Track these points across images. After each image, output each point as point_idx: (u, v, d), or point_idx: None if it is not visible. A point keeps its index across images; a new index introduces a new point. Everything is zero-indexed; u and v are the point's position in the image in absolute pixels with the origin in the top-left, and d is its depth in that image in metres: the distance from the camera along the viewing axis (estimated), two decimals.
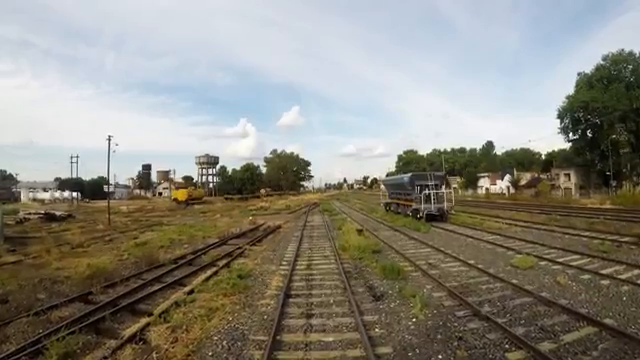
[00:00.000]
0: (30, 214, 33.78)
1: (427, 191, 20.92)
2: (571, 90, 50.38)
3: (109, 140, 30.75)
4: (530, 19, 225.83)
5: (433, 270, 9.47)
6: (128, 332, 5.88)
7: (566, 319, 5.93)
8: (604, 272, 8.63)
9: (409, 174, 25.18)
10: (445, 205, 21.25)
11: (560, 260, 9.99)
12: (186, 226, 24.23)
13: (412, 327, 5.77)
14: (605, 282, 7.92)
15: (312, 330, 5.76)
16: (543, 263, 9.84)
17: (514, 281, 8.08)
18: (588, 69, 49.54)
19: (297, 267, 10.38)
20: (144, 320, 6.27)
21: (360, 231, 16.44)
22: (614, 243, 12.26)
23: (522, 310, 6.41)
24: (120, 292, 8.26)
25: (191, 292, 7.80)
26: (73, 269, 10.53)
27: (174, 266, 11.07)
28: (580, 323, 5.76)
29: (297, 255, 12.18)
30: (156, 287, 8.59)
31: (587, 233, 14.82)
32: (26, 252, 14.41)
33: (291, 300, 7.26)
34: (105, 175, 52.68)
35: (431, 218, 20.53)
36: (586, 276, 8.42)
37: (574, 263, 9.66)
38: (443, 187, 22.98)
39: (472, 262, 10.16)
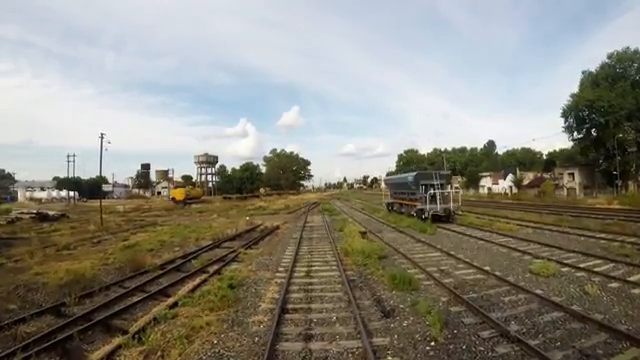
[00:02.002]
0: (23, 214, 32.96)
1: (432, 191, 20.07)
2: (572, 89, 49.89)
3: (101, 138, 29.97)
4: (530, 19, 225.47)
5: (446, 278, 8.57)
6: (95, 356, 5.01)
7: (606, 338, 5.16)
8: (632, 279, 7.93)
9: (413, 173, 24.23)
10: (451, 205, 20.42)
11: (582, 266, 9.24)
12: (180, 226, 23.35)
13: (431, 353, 4.87)
14: (636, 291, 7.20)
15: (312, 358, 4.83)
16: (565, 269, 9.04)
17: (538, 291, 7.26)
18: (589, 68, 49.14)
19: (295, 274, 9.43)
20: (116, 341, 5.39)
21: (364, 233, 15.47)
22: (634, 246, 11.52)
23: (555, 328, 5.57)
24: (96, 303, 7.46)
25: (174, 305, 6.88)
26: (52, 274, 9.73)
27: (160, 272, 10.20)
28: (622, 343, 4.99)
29: (295, 260, 11.24)
30: (137, 298, 7.72)
31: (603, 235, 14.13)
32: (9, 255, 13.57)
33: (287, 316, 6.32)
34: (104, 174, 52.29)
35: (436, 219, 19.70)
36: (614, 284, 7.69)
37: (598, 269, 8.92)
38: (449, 186, 22.11)
39: (487, 268, 9.29)
